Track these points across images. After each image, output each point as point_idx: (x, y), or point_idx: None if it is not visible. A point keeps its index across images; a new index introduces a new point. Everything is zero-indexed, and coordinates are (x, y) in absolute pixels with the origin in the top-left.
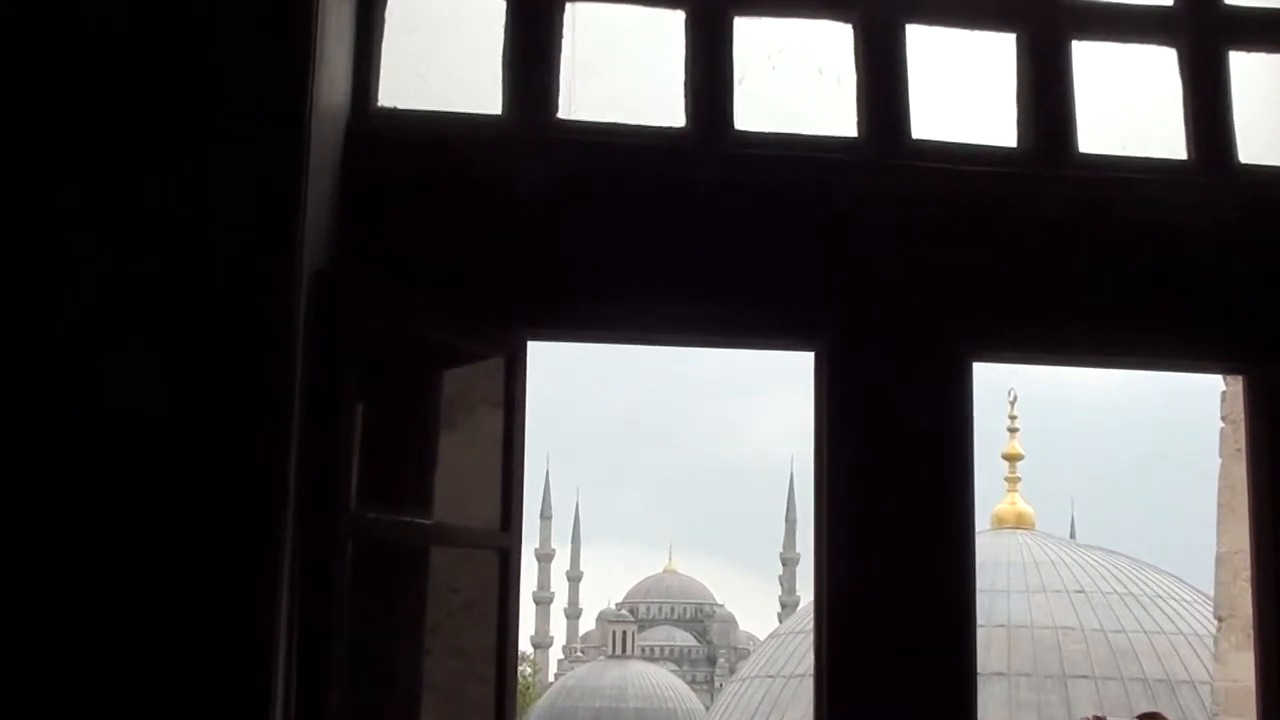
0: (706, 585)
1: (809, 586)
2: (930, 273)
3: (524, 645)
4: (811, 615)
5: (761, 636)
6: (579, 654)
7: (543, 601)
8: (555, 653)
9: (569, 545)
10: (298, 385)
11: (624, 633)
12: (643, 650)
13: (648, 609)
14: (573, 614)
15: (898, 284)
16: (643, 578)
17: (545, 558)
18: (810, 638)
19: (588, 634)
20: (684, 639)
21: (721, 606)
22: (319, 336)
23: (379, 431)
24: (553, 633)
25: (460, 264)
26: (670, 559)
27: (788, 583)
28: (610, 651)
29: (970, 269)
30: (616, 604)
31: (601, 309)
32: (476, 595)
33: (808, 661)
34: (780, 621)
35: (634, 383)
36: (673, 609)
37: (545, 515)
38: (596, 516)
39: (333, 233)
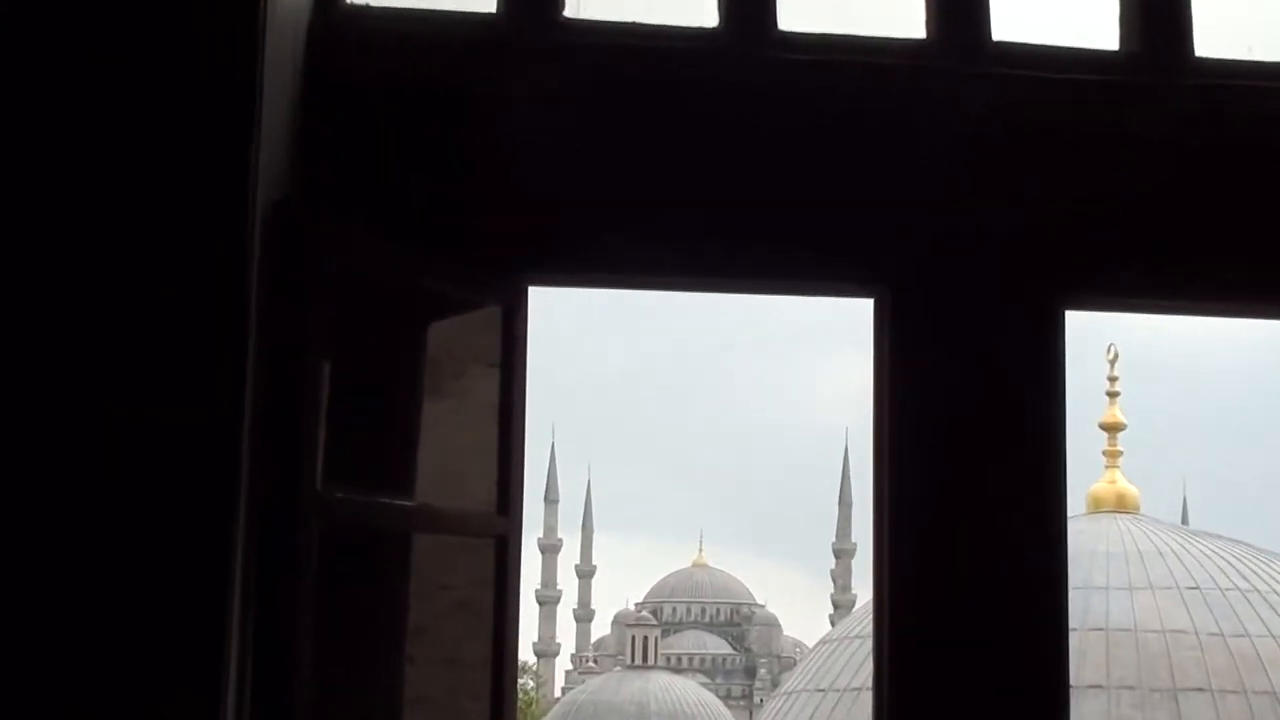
0: (744, 582)
1: (867, 583)
2: (1014, 201)
3: (525, 653)
4: (870, 617)
5: (810, 643)
6: (591, 664)
7: (548, 601)
8: (563, 662)
9: (579, 535)
10: (251, 340)
11: (645, 638)
12: (667, 659)
13: (673, 610)
14: (584, 616)
15: (975, 215)
16: (667, 573)
17: (551, 549)
18: (868, 644)
19: (601, 640)
20: (717, 645)
21: (762, 607)
22: (277, 281)
23: (351, 396)
24: (560, 638)
25: (447, 193)
26: (700, 551)
27: (842, 579)
28: (629, 660)
29: (1063, 196)
30: (636, 604)
31: (616, 248)
32: (469, 593)
33: (866, 671)
34: (832, 625)
35: (657, 339)
36: (703, 610)
37: (550, 499)
38: (612, 500)
39: (293, 155)
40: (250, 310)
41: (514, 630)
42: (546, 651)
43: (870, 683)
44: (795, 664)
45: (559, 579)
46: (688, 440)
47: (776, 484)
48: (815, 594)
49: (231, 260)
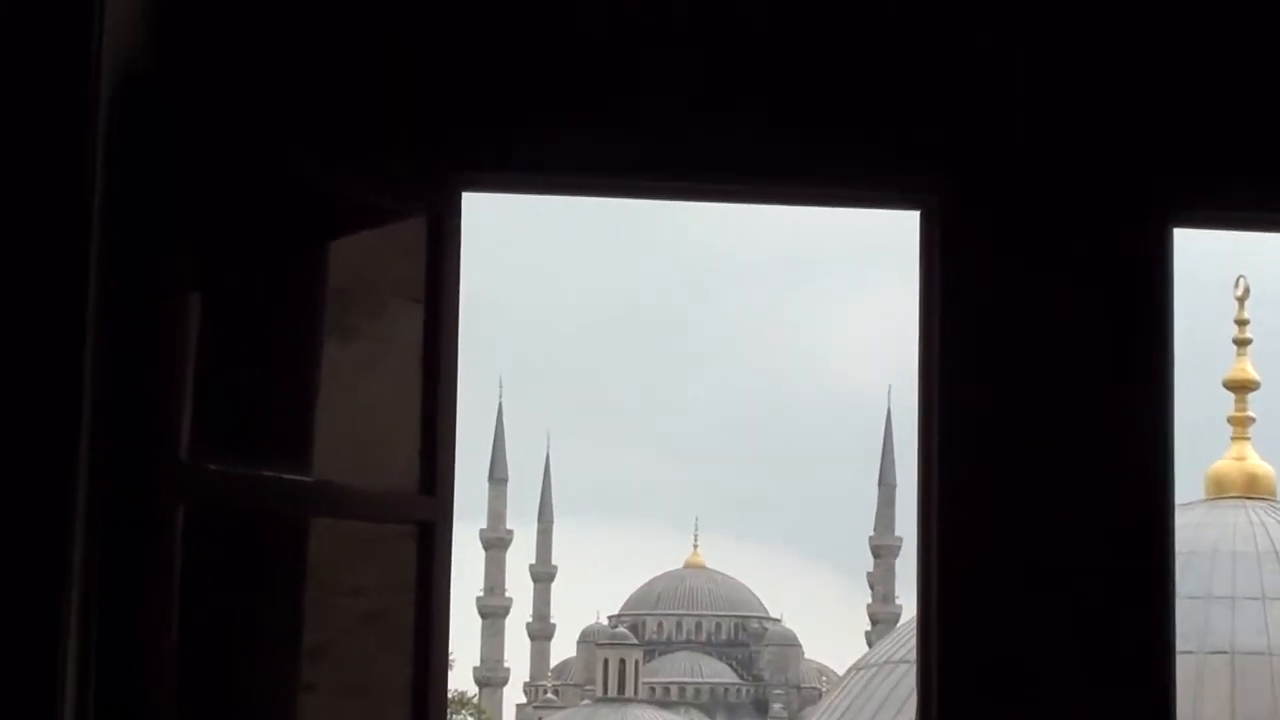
0: (752, 588)
1: (914, 587)
2: (1105, 86)
3: (462, 680)
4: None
5: (840, 669)
6: (550, 695)
7: (493, 613)
8: (513, 693)
9: (533, 526)
10: (94, 260)
11: (622, 662)
12: (651, 690)
13: (659, 626)
14: (540, 633)
15: (1054, 104)
16: (652, 576)
17: (497, 544)
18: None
19: (565, 664)
20: (716, 672)
21: (777, 622)
22: (130, 182)
23: (228, 338)
24: (509, 662)
25: (354, 72)
26: (695, 547)
27: (882, 584)
28: (600, 691)
29: (1169, 80)
30: (610, 617)
31: (575, 142)
32: (384, 600)
33: (912, 708)
34: (869, 645)
35: (636, 271)
36: (699, 626)
37: (496, 478)
38: (578, 481)
39: (152, 19)
40: (92, 220)
41: (442, 650)
42: (491, 679)
43: None
44: (820, 697)
45: (508, 583)
46: (677, 403)
47: (795, 460)
48: (847, 605)
49: (66, 151)
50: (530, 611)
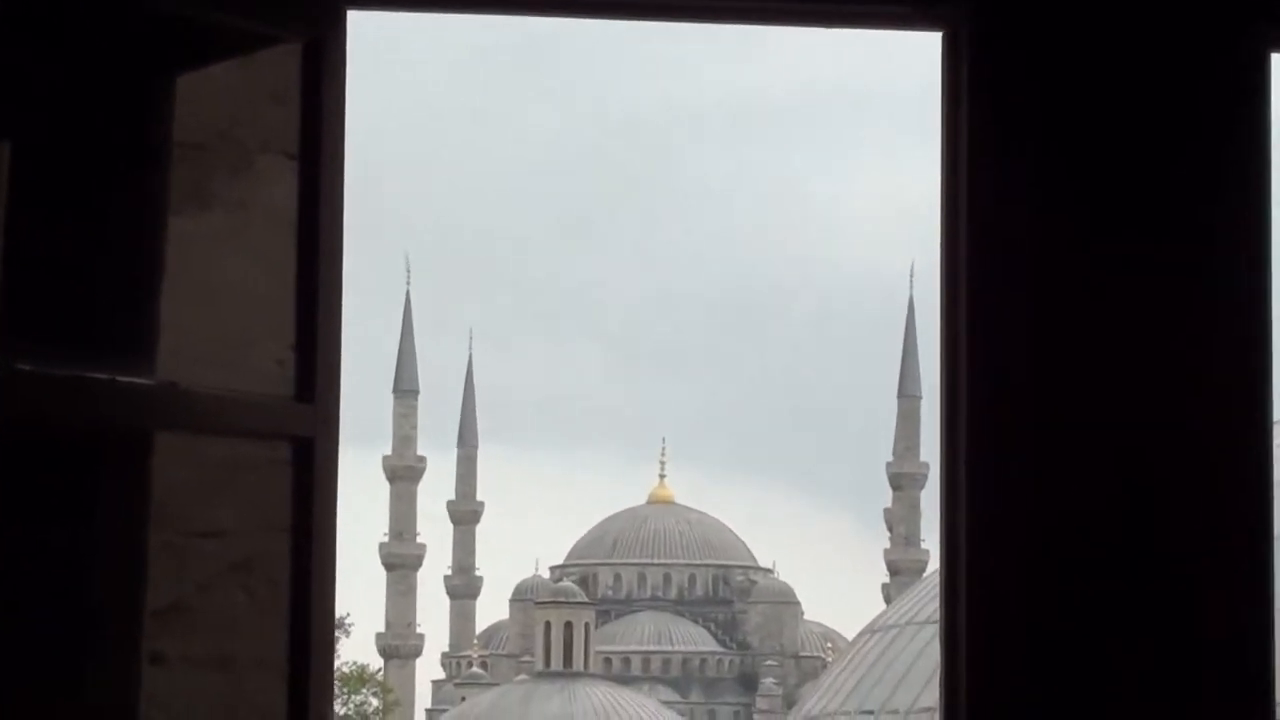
0: (736, 531)
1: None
2: None
3: (362, 651)
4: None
5: (849, 632)
6: (475, 669)
7: (401, 564)
8: (429, 666)
9: (452, 452)
10: None
11: (568, 625)
12: (607, 661)
13: (617, 579)
14: (463, 589)
15: None
16: (605, 515)
17: (405, 475)
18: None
19: (495, 629)
20: (690, 638)
21: (769, 573)
22: None
23: (50, 205)
24: (423, 626)
25: None
26: (662, 477)
27: (904, 523)
28: (541, 664)
29: None
30: (553, 568)
31: None
32: (253, 545)
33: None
34: (887, 600)
35: (581, 117)
36: (667, 579)
37: (403, 389)
38: (511, 395)
39: None
40: None
41: (327, 609)
42: (399, 648)
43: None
44: (824, 669)
45: (420, 526)
46: (637, 295)
47: (790, 366)
48: (859, 550)
49: None
50: (449, 562)
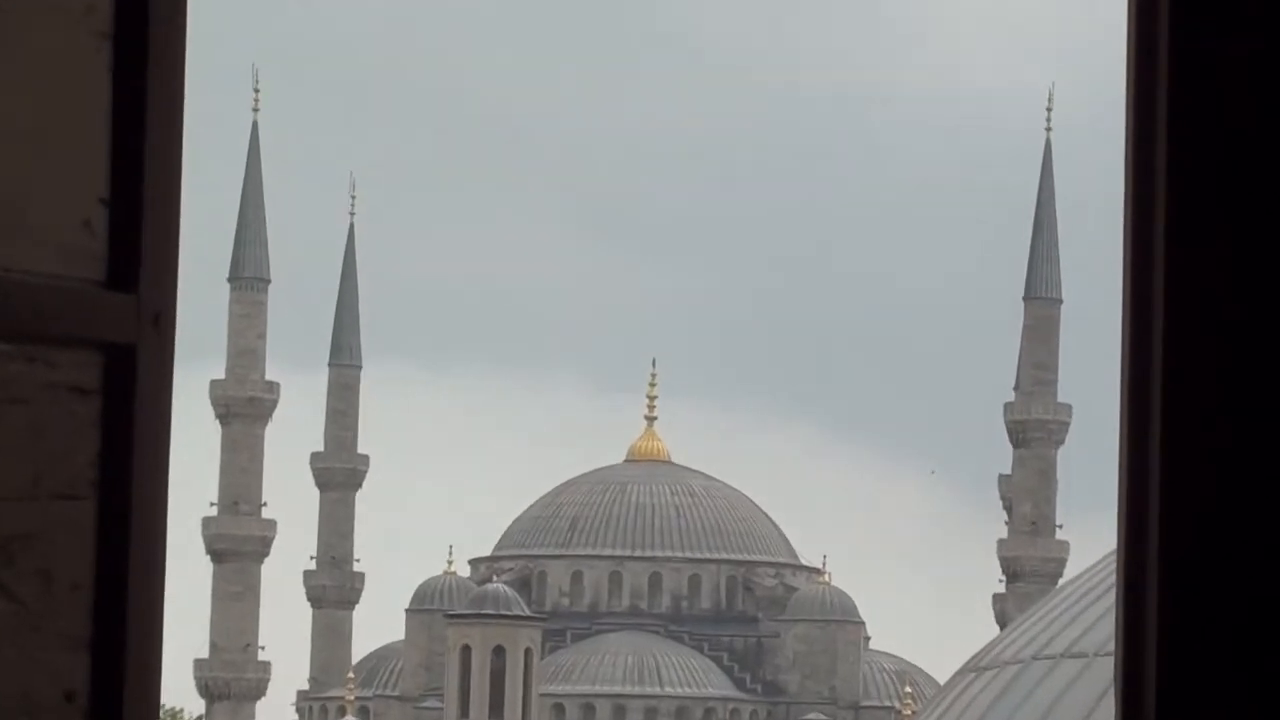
0: (762, 506)
1: (1097, 510)
2: None
3: (176, 688)
4: (1116, 615)
5: (939, 672)
6: (349, 718)
7: (235, 553)
8: (275, 711)
9: (320, 374)
10: None
11: (499, 652)
12: (557, 709)
13: (574, 581)
14: (332, 594)
15: None
16: (560, 479)
17: (243, 410)
18: (1101, 675)
19: (380, 655)
20: (693, 673)
21: (816, 575)
22: None
23: None
24: (268, 650)
25: None
26: (650, 420)
27: (1030, 501)
28: (455, 711)
29: None
30: (477, 561)
31: None
32: (24, 522)
33: None
34: (1001, 622)
35: None
36: (657, 582)
37: (243, 275)
38: (410, 284)
39: None
40: None
41: (150, 630)
42: (230, 687)
43: None
44: None
45: (265, 493)
46: (610, 125)
47: (846, 241)
48: (956, 542)
49: None
50: (312, 549)
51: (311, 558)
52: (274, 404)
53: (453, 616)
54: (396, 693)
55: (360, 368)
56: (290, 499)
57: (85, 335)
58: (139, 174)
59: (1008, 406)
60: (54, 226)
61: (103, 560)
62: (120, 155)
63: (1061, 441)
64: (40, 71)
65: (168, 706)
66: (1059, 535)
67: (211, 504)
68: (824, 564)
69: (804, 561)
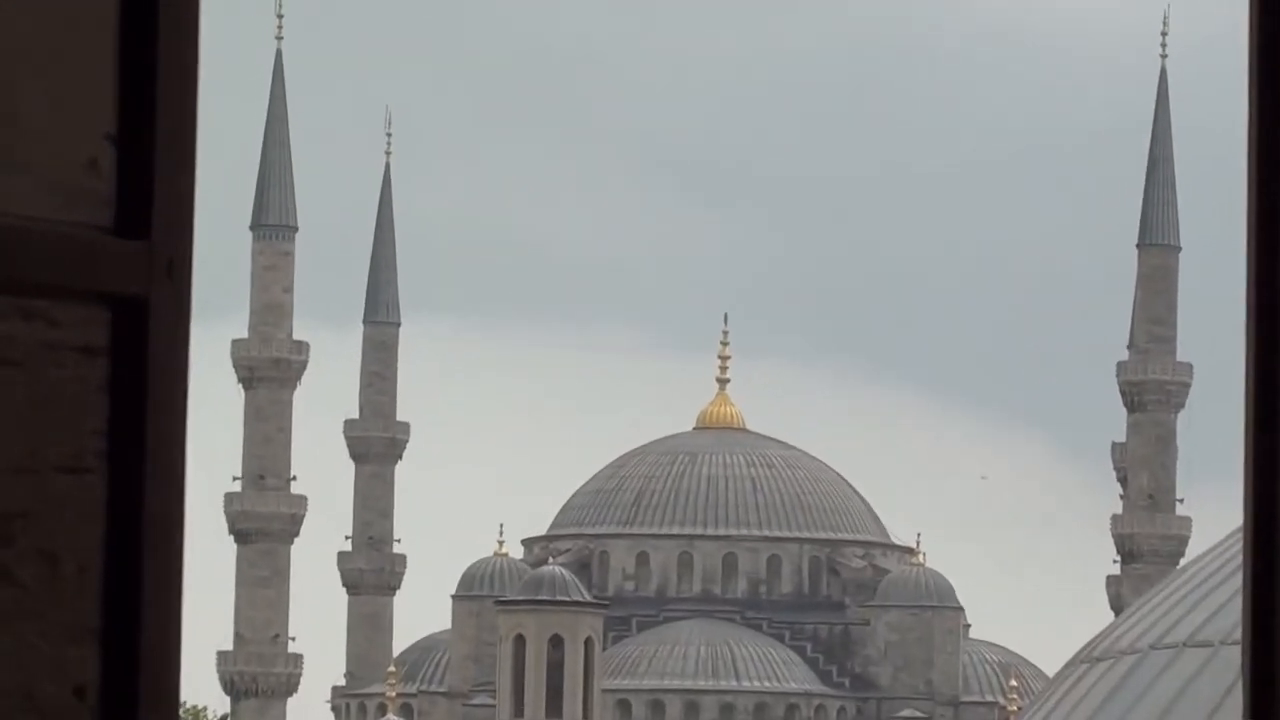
0: (849, 479)
1: (1221, 477)
2: None
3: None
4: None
5: (1048, 664)
6: (391, 716)
7: (262, 533)
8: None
9: (354, 331)
10: None
11: (556, 641)
12: (622, 705)
13: (639, 563)
14: (370, 579)
15: None
16: (622, 449)
17: (270, 372)
18: (1228, 666)
19: (425, 645)
20: (773, 665)
21: (909, 553)
22: None
23: None
24: (300, 641)
25: None
26: (722, 384)
27: (1147, 472)
28: (510, 710)
29: None
30: (531, 540)
31: None
32: (24, 501)
33: None
34: (1116, 607)
35: None
36: (732, 564)
37: (267, 223)
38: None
39: None
40: None
41: (169, 619)
42: (258, 682)
43: None
44: None
45: (294, 466)
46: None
47: (940, 193)
48: (1065, 517)
49: None
50: (348, 529)
51: (346, 538)
52: (303, 366)
53: (504, 603)
54: (443, 688)
55: (398, 325)
56: (322, 472)
57: (90, 288)
58: (150, 107)
59: (1121, 366)
60: (55, 166)
61: (112, 541)
62: (129, 87)
63: (1181, 405)
64: (65, 19)
65: (188, 704)
66: (1180, 510)
67: (235, 478)
68: (918, 543)
69: (895, 540)
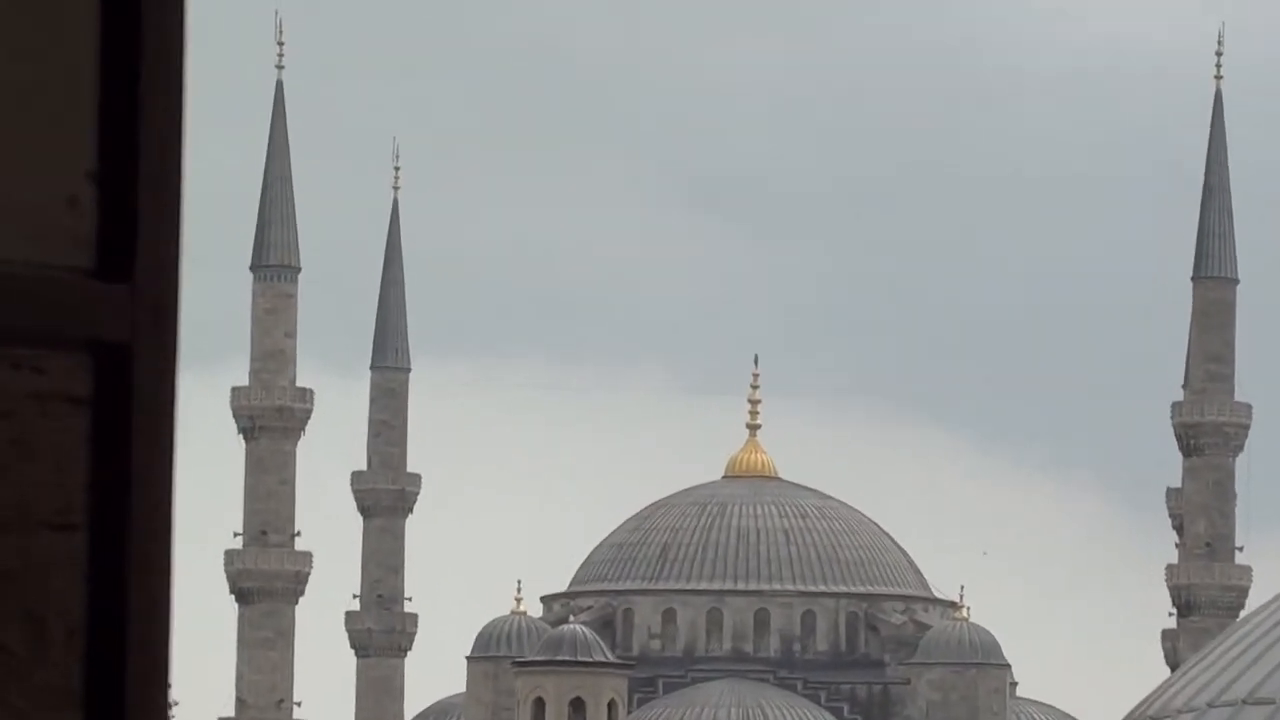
0: (888, 530)
1: None
2: None
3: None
4: None
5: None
6: None
7: (264, 592)
8: None
9: (362, 379)
10: None
11: (577, 706)
12: None
13: (666, 620)
14: (379, 640)
15: None
16: (649, 499)
17: (272, 422)
18: None
19: (439, 710)
20: None
21: (953, 608)
22: None
23: None
24: (305, 705)
25: None
26: (753, 430)
27: (1205, 519)
28: None
29: None
30: (550, 598)
31: None
32: (23, 549)
33: None
34: (1172, 663)
35: None
36: (763, 618)
37: (268, 264)
38: (466, 268)
39: None
40: None
41: (156, 665)
42: None
43: None
44: None
45: (299, 520)
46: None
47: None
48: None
49: None
50: (356, 586)
51: (354, 597)
52: (307, 415)
53: (522, 664)
54: None
55: (408, 370)
56: (328, 527)
57: (72, 334)
58: (134, 141)
59: (1176, 407)
60: (32, 205)
61: (96, 602)
62: (111, 119)
63: (1240, 447)
64: (12, 13)
65: None
66: (1239, 559)
67: (235, 534)
68: (961, 596)
69: (938, 594)
